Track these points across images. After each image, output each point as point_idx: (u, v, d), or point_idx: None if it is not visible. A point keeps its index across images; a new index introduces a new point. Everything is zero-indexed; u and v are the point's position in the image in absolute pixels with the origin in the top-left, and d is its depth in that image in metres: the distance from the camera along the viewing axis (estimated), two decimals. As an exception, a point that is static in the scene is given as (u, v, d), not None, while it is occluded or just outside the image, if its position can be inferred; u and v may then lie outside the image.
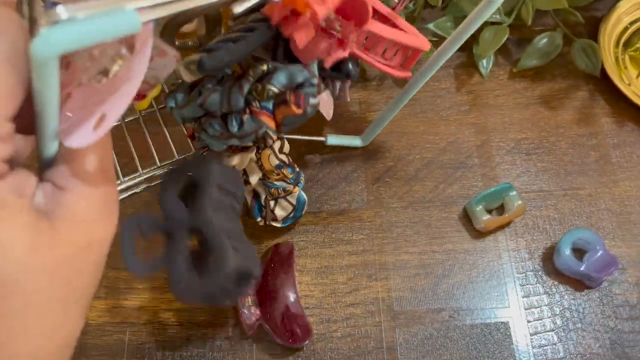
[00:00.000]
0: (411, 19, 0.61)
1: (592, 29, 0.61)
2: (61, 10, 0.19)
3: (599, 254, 0.49)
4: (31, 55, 0.19)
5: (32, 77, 0.20)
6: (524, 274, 0.51)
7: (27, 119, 0.22)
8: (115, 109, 0.21)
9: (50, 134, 0.22)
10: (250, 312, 0.47)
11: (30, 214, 0.22)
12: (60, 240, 0.23)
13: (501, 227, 0.53)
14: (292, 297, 0.48)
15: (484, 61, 0.60)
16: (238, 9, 0.32)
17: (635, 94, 0.58)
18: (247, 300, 0.48)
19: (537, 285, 0.51)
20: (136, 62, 0.22)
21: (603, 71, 0.59)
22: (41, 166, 0.24)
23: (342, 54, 0.38)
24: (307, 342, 0.47)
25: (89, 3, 0.19)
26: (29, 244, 0.22)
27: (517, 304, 0.50)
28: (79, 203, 0.24)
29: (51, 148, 0.23)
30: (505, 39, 0.56)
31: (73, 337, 0.25)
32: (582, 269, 0.49)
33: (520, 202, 0.51)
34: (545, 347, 0.48)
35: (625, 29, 0.62)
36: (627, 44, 0.62)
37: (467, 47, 0.60)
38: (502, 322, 0.49)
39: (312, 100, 0.38)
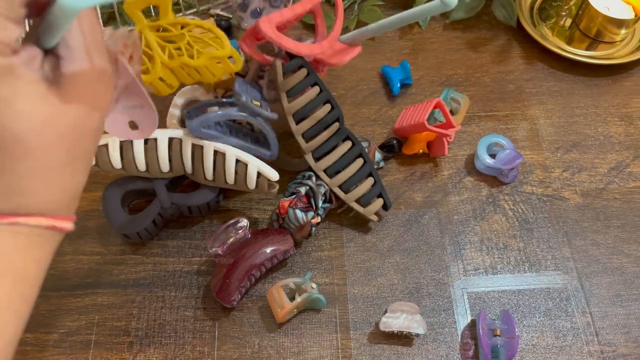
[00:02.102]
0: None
1: (511, -8, 0.74)
2: None
3: (507, 151, 0.59)
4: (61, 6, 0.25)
5: (57, 16, 0.26)
6: (449, 174, 0.61)
7: (32, 9, 0.27)
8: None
9: (57, 37, 0.27)
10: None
11: (41, 85, 0.26)
12: (67, 109, 0.27)
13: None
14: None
15: (422, 14, 0.72)
16: None
17: (554, 44, 0.70)
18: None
19: (461, 181, 0.61)
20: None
21: (519, 24, 0.71)
22: (43, 42, 0.27)
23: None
24: (232, 303, 0.51)
25: None
26: (43, 113, 0.26)
27: (445, 196, 0.60)
28: (80, 72, 0.27)
29: (56, 39, 0.27)
30: (436, -9, 0.68)
31: (78, 192, 0.30)
32: (492, 162, 0.59)
33: (462, 94, 0.64)
34: (466, 226, 0.58)
35: (540, -9, 0.75)
36: (542, 15, 0.74)
37: (408, 5, 0.72)
38: (432, 210, 0.59)
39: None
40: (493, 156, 0.60)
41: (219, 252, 0.52)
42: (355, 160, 0.56)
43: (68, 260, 0.56)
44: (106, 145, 0.52)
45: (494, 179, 0.61)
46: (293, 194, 0.55)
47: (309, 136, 0.55)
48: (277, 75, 0.53)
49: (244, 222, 0.54)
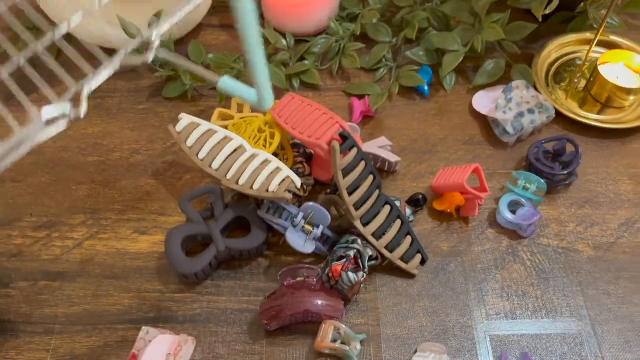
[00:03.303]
0: (395, 50, 0.82)
1: (528, 61, 0.81)
2: None
3: (525, 208, 0.66)
4: None
5: None
6: (472, 226, 0.68)
7: None
8: None
9: None
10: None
11: None
12: None
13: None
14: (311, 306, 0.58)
15: (447, 79, 0.80)
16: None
17: (568, 109, 0.77)
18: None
19: (483, 233, 0.67)
20: None
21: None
22: None
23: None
24: (267, 326, 0.58)
25: None
26: None
27: (468, 246, 0.66)
28: None
29: None
30: (459, 60, 0.76)
31: None
32: (512, 218, 0.65)
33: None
34: (487, 274, 0.64)
35: (554, 61, 0.83)
36: (556, 78, 0.82)
37: (435, 70, 0.81)
38: (457, 258, 0.65)
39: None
40: (513, 212, 0.67)
41: (284, 282, 0.59)
42: (395, 222, 0.63)
43: (132, 296, 0.63)
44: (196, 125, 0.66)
45: (513, 232, 0.67)
46: (342, 257, 0.60)
47: (358, 205, 0.61)
48: (334, 155, 0.58)
49: (318, 272, 0.61)
